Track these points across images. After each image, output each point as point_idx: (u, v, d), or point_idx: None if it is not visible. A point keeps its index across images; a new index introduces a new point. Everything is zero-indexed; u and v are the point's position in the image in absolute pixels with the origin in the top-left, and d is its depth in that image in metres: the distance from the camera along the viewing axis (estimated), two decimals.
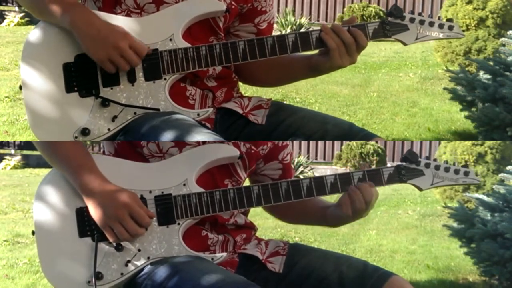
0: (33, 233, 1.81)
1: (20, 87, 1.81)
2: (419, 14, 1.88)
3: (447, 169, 1.89)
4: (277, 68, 1.96)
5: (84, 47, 1.76)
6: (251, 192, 1.80)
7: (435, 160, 1.89)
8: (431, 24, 1.88)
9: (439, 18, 1.89)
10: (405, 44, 1.88)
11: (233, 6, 1.88)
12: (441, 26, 1.88)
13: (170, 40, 1.81)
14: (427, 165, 1.88)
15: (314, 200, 1.90)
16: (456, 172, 1.88)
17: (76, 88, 1.79)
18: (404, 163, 1.87)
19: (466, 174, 1.89)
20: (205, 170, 1.82)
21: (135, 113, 1.80)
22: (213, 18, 1.86)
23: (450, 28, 1.88)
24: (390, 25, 1.87)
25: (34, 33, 1.82)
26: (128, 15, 1.83)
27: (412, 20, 1.87)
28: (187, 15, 1.82)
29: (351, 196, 1.81)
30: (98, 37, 1.74)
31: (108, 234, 1.75)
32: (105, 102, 1.79)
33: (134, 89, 1.81)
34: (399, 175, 1.86)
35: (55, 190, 1.81)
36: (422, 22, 1.87)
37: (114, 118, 1.80)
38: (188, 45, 1.81)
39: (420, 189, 1.88)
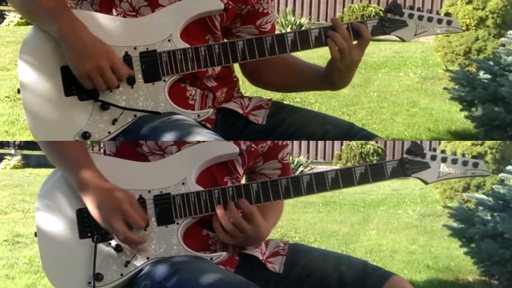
0: (35, 234, 1.81)
1: (18, 91, 1.80)
2: (418, 10, 1.87)
3: (454, 161, 1.81)
4: (291, 73, 1.98)
5: (67, 58, 1.76)
6: (250, 190, 1.80)
7: (442, 151, 1.83)
8: (430, 19, 1.86)
9: (437, 13, 1.88)
10: (404, 41, 1.87)
11: (230, 6, 1.87)
12: (439, 21, 1.87)
13: (169, 41, 1.80)
14: (433, 158, 1.81)
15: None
16: (465, 163, 1.81)
17: (75, 92, 1.79)
18: (408, 156, 1.82)
19: (475, 165, 1.81)
20: (204, 168, 1.82)
21: (135, 115, 1.80)
22: (210, 17, 1.85)
23: (449, 23, 1.87)
24: (389, 22, 1.86)
25: (31, 34, 1.80)
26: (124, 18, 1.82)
27: (410, 16, 1.86)
28: (185, 14, 1.81)
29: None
30: (83, 52, 1.73)
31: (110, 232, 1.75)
32: (105, 105, 1.78)
33: (134, 91, 1.80)
34: (403, 169, 1.81)
35: (56, 192, 1.81)
36: (420, 18, 1.86)
37: (114, 121, 1.79)
38: (187, 45, 1.80)
39: (426, 183, 1.82)
